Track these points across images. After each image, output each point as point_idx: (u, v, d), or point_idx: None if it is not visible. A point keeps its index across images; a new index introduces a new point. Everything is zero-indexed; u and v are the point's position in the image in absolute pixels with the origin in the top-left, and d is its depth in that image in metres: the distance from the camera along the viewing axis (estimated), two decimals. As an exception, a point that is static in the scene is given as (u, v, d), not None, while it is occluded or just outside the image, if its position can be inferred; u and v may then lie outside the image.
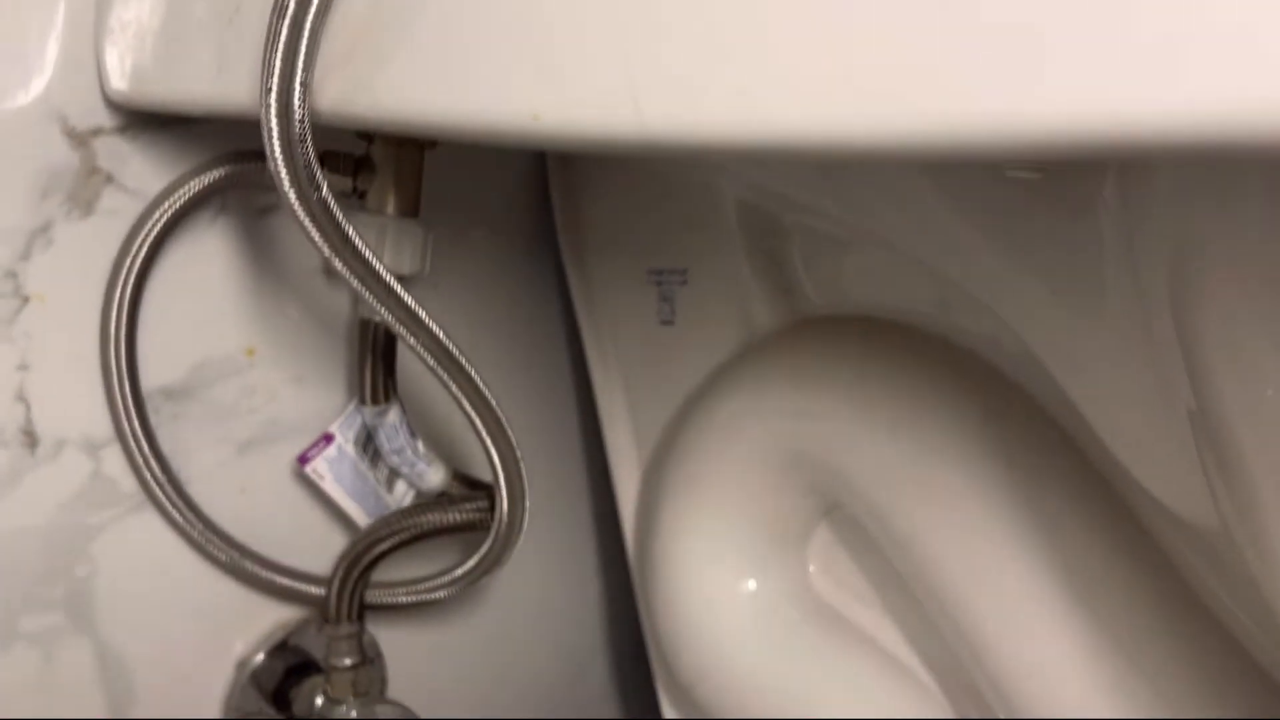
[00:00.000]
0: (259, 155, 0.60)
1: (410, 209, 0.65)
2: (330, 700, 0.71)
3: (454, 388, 0.60)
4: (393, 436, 0.70)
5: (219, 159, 0.62)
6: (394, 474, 0.74)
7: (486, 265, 0.83)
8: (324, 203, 0.48)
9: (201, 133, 0.65)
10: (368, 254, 0.51)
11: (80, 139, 0.61)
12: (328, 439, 0.68)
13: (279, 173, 0.47)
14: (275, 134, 0.45)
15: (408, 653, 0.77)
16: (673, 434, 0.70)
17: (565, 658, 0.96)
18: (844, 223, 0.63)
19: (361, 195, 0.63)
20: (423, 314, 0.56)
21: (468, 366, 0.59)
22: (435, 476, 0.73)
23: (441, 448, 0.73)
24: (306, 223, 0.49)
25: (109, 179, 0.62)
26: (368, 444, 0.71)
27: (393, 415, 0.69)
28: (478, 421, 0.62)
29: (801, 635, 0.65)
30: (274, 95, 0.44)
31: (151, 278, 0.65)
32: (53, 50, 0.59)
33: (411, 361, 0.60)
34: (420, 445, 0.72)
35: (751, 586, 0.66)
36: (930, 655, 0.63)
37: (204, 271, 0.68)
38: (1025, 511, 0.52)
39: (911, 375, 0.57)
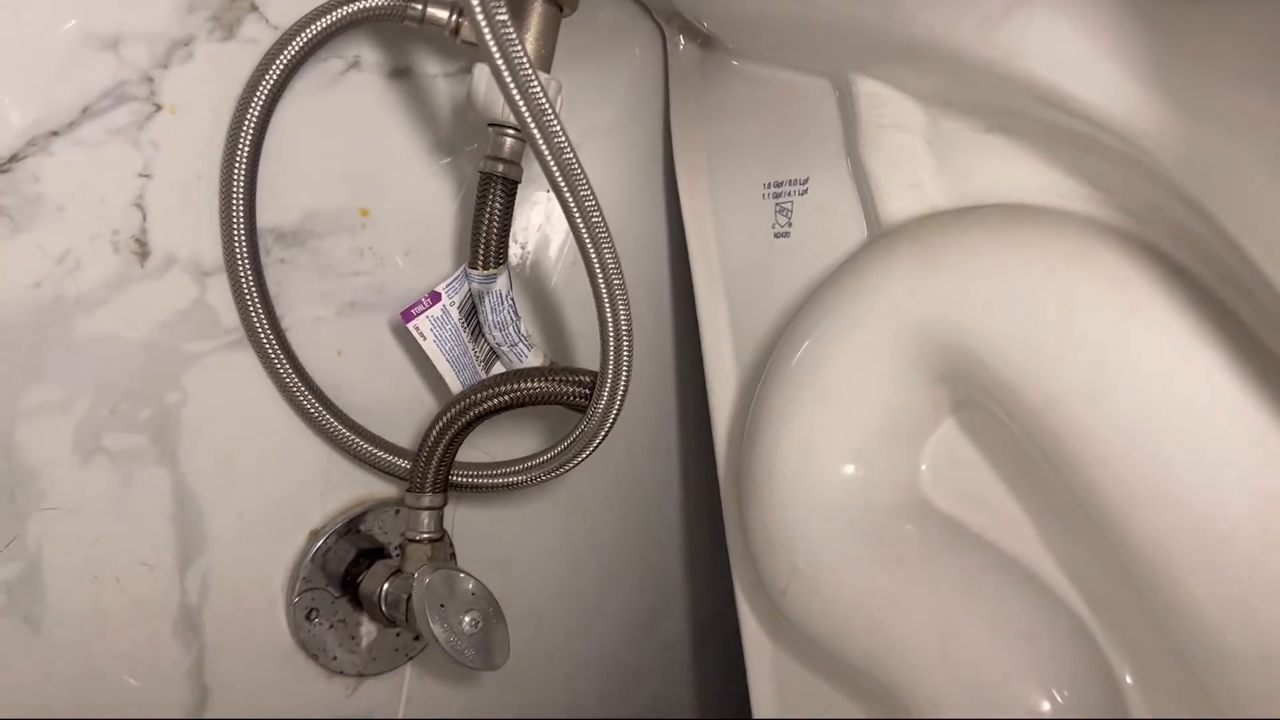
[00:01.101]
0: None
1: (545, 65, 0.65)
2: (403, 576, 0.68)
3: (590, 248, 0.58)
4: (498, 307, 0.68)
5: (362, -8, 0.62)
6: (493, 354, 0.72)
7: (596, 176, 0.82)
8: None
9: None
10: (534, 77, 0.50)
11: (231, -39, 0.61)
12: (434, 297, 0.67)
13: None
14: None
15: (484, 535, 0.74)
16: (789, 325, 0.67)
17: (640, 561, 0.92)
18: (984, 108, 0.61)
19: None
20: (578, 163, 0.55)
21: (606, 228, 0.58)
22: (534, 360, 0.71)
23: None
24: (480, 19, 0.47)
25: (253, 6, 0.63)
26: (471, 315, 0.69)
27: (501, 282, 0.67)
28: (603, 288, 0.60)
29: (899, 529, 0.61)
30: None
31: (279, 115, 0.64)
32: None
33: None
34: (523, 325, 0.70)
35: (850, 471, 0.62)
36: (1073, 563, 0.58)
37: (330, 122, 0.67)
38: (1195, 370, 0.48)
39: (1064, 244, 0.54)
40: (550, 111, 0.53)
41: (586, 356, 0.82)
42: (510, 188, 0.66)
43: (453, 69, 0.72)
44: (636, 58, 0.85)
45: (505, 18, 0.48)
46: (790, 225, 0.73)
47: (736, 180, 0.77)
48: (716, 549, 0.97)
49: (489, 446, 0.77)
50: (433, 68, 0.71)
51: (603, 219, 0.58)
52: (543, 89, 0.51)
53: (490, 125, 0.65)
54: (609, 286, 0.60)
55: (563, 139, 0.54)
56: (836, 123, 0.70)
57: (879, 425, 0.62)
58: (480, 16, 0.47)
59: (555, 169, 0.55)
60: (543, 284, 0.81)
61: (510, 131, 0.65)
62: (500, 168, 0.65)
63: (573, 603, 0.87)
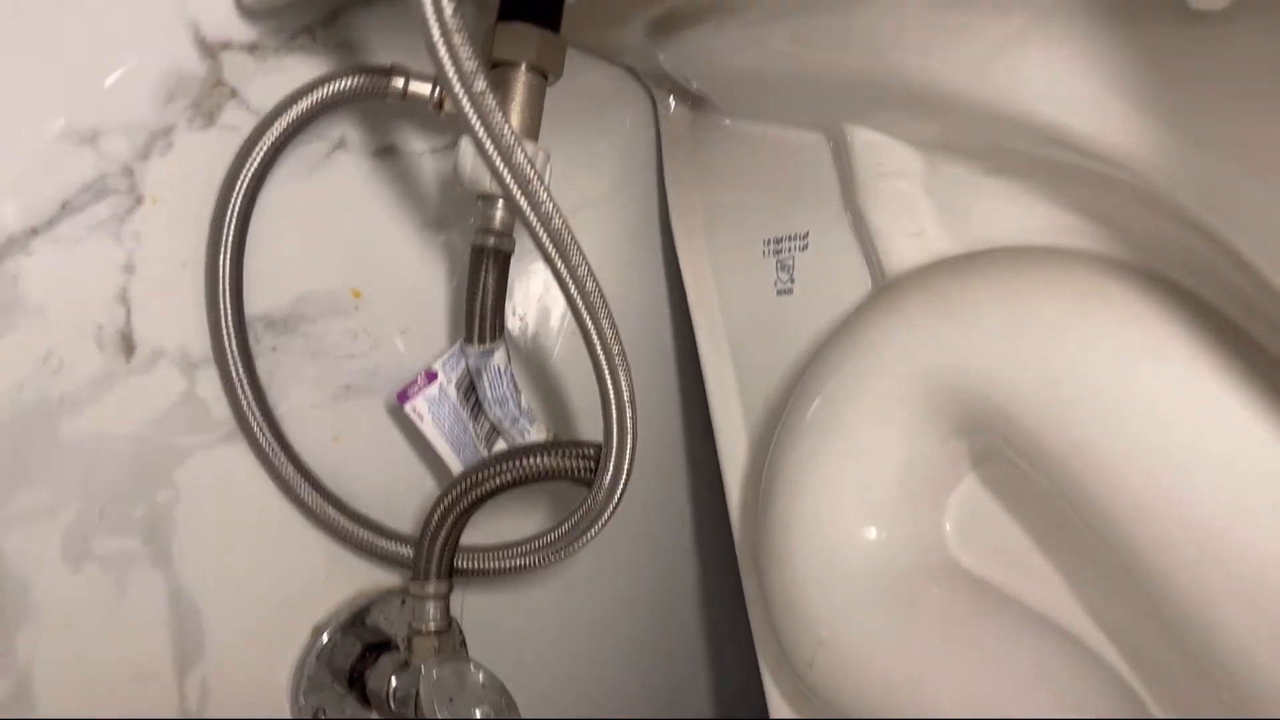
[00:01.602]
0: (383, 71, 0.61)
1: (532, 134, 0.63)
2: (410, 670, 0.65)
3: (586, 319, 0.56)
4: (496, 382, 0.66)
5: (341, 72, 0.61)
6: (494, 430, 0.70)
7: (593, 245, 0.81)
8: (475, 82, 0.45)
9: (326, 56, 0.64)
10: (517, 148, 0.49)
11: (210, 50, 0.61)
12: (430, 376, 0.65)
13: (427, 16, 0.44)
14: None
15: (493, 619, 0.71)
16: (799, 383, 0.65)
17: (656, 640, 0.88)
18: (983, 150, 0.59)
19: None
20: (569, 233, 0.53)
21: (602, 297, 0.56)
22: (537, 435, 0.69)
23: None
24: (459, 91, 0.46)
25: (233, 93, 0.62)
26: (470, 393, 0.67)
27: (499, 356, 0.65)
28: (603, 359, 0.58)
29: (925, 593, 0.58)
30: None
31: (263, 200, 0.63)
32: (192, -45, 0.60)
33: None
34: (524, 399, 0.68)
35: (872, 535, 0.59)
36: (1109, 617, 0.55)
37: (317, 204, 0.66)
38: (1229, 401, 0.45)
39: (1077, 287, 0.52)
40: (537, 180, 0.51)
41: (592, 428, 0.80)
42: (503, 260, 0.64)
43: (439, 144, 0.70)
44: (627, 123, 0.84)
45: (485, 88, 0.47)
46: (793, 281, 0.71)
47: (735, 239, 0.76)
48: (737, 621, 0.94)
49: (496, 526, 0.75)
50: (419, 144, 0.70)
51: (597, 287, 0.56)
52: (528, 158, 0.50)
53: (479, 198, 0.63)
54: (608, 356, 0.58)
55: (550, 207, 0.53)
56: (833, 175, 0.68)
57: (899, 484, 0.59)
58: (459, 89, 0.46)
59: (545, 238, 0.53)
60: (544, 356, 0.79)
61: (500, 203, 0.63)
62: (492, 240, 0.63)
63: (588, 685, 0.84)
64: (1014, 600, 0.58)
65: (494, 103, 0.47)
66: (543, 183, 0.51)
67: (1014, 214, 0.59)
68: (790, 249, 0.71)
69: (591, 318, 0.56)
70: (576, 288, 0.55)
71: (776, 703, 0.71)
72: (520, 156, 0.50)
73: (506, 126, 0.49)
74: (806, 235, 0.70)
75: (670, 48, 0.69)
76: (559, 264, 0.54)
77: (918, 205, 0.63)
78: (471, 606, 0.74)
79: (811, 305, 0.70)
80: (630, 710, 0.87)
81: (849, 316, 0.65)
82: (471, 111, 0.47)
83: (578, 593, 0.81)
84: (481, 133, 0.48)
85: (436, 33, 0.44)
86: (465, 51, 0.45)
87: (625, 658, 0.86)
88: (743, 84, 0.71)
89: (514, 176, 0.50)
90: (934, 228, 0.63)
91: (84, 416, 0.58)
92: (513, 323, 0.78)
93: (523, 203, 0.51)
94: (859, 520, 0.60)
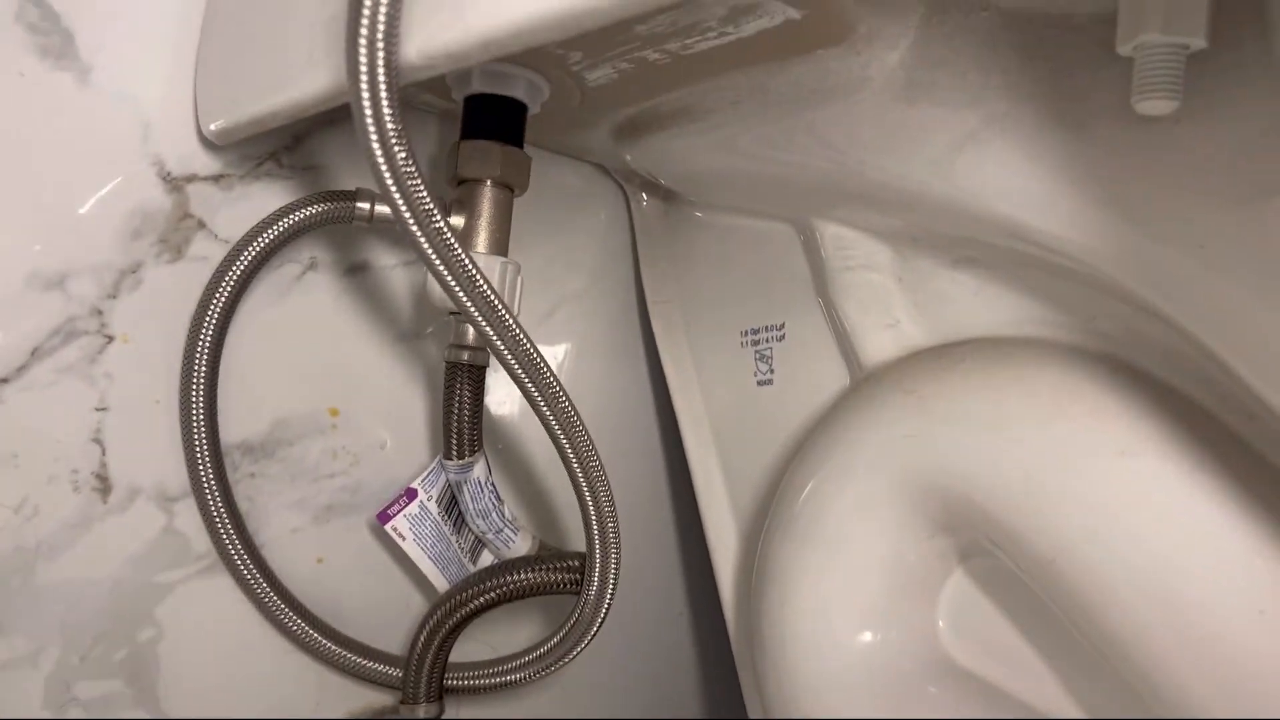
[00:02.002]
0: (348, 196, 0.61)
1: (501, 249, 0.64)
2: (405, 796, 0.64)
3: (560, 435, 0.56)
4: (478, 495, 0.66)
5: (306, 200, 0.61)
6: (478, 544, 0.69)
7: (572, 341, 0.81)
8: (423, 205, 0.46)
9: (292, 180, 0.65)
10: (480, 279, 0.49)
11: (175, 184, 0.61)
12: (410, 495, 0.64)
13: (378, 164, 0.44)
14: (367, 100, 0.43)
15: None
16: (784, 477, 0.65)
17: None
18: (950, 242, 0.59)
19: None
20: (538, 354, 0.53)
21: (575, 413, 0.56)
22: (523, 544, 0.68)
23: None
24: (412, 226, 0.46)
25: (200, 224, 0.62)
26: (451, 508, 0.67)
27: (479, 470, 0.65)
28: (580, 474, 0.58)
29: (924, 695, 0.57)
30: (363, 55, 0.43)
31: (236, 328, 0.63)
32: (155, 94, 0.60)
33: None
34: (506, 509, 0.68)
35: (868, 639, 0.58)
36: (1102, 711, 0.54)
37: (291, 326, 0.66)
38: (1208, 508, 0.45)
39: (1050, 383, 0.52)
40: (502, 307, 0.51)
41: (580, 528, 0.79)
42: (477, 374, 0.64)
43: (410, 257, 0.71)
44: (601, 216, 0.84)
45: (441, 225, 0.47)
46: (772, 372, 0.71)
47: (714, 330, 0.76)
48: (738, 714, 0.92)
49: (489, 635, 0.74)
50: (389, 259, 0.70)
51: (570, 404, 0.56)
52: (490, 287, 0.50)
53: (450, 314, 0.63)
54: (586, 471, 0.58)
55: (517, 331, 0.52)
56: (805, 267, 0.68)
57: (889, 583, 0.59)
58: (415, 230, 0.46)
59: (513, 361, 0.53)
60: (528, 459, 0.78)
61: (471, 318, 0.63)
62: (465, 355, 0.63)
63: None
64: (1006, 694, 0.57)
65: (451, 238, 0.47)
66: (508, 307, 0.51)
67: (985, 305, 0.59)
68: (768, 340, 0.71)
69: (567, 435, 0.56)
70: (549, 406, 0.55)
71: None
72: (484, 286, 0.50)
73: (467, 259, 0.49)
74: (783, 326, 0.70)
75: (636, 149, 0.69)
76: (529, 385, 0.54)
77: (890, 297, 0.63)
78: (466, 716, 0.73)
79: (791, 396, 0.69)
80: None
81: (828, 411, 0.65)
82: (429, 249, 0.47)
83: (576, 696, 0.80)
84: (442, 268, 0.48)
85: (389, 179, 0.44)
86: (418, 194, 0.45)
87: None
88: (709, 181, 0.71)
89: (477, 306, 0.50)
90: (907, 320, 0.62)
91: (61, 561, 0.58)
92: (493, 421, 0.77)
93: (488, 330, 0.51)
94: (852, 622, 0.59)
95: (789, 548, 0.61)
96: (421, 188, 0.45)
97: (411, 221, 0.46)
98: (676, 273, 0.79)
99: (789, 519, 0.63)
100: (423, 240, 0.47)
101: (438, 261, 0.48)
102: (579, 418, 0.56)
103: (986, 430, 0.53)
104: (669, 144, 0.66)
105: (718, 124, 0.61)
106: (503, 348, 0.52)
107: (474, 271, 0.49)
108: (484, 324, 0.51)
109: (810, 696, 0.60)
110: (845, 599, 0.60)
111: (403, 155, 0.44)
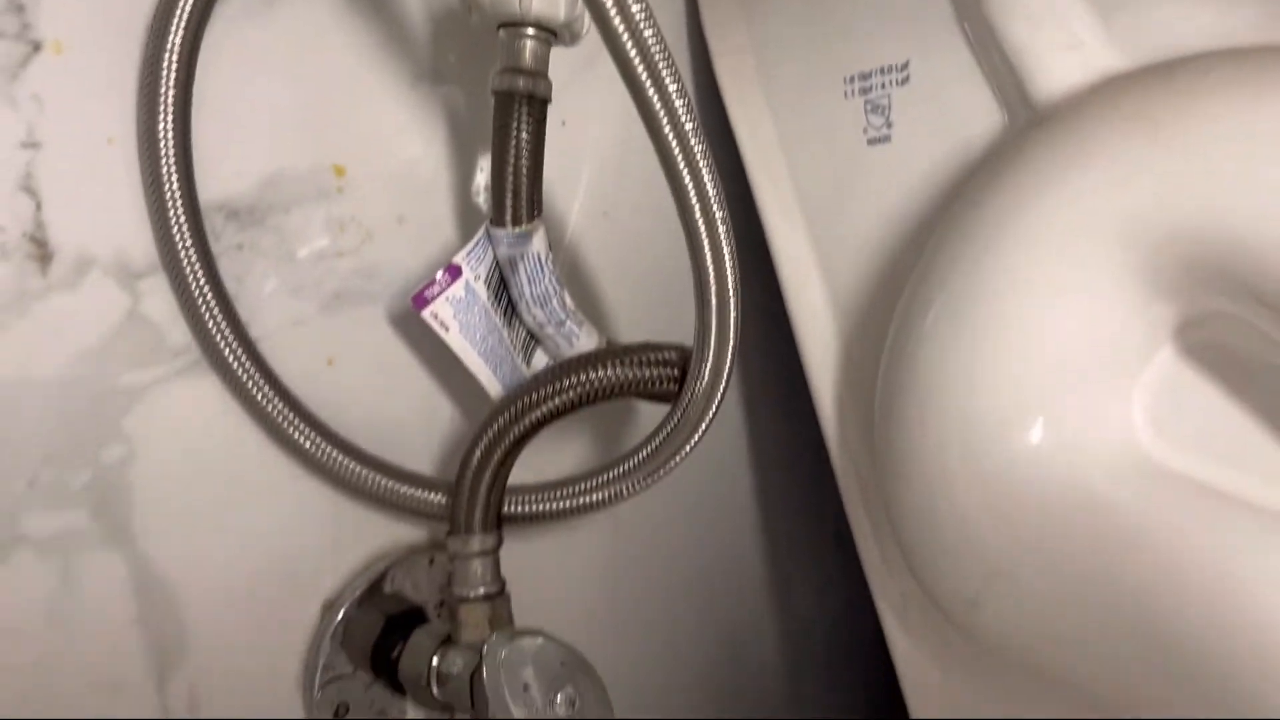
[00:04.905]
0: None
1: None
2: (457, 646, 0.51)
3: (684, 174, 0.41)
4: (536, 275, 0.51)
5: None
6: (531, 340, 0.55)
7: (609, 107, 0.65)
8: None
9: None
10: None
11: None
12: (453, 272, 0.49)
13: None
14: None
15: (530, 569, 0.56)
16: (923, 257, 0.51)
17: (714, 581, 0.76)
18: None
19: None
20: (664, 51, 0.39)
21: (703, 147, 0.41)
22: (588, 342, 0.54)
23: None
24: None
25: (153, -107, 0.44)
26: (500, 293, 0.52)
27: (537, 241, 0.50)
28: (702, 233, 0.43)
29: (1115, 505, 0.45)
30: None
31: (210, 46, 0.47)
32: None
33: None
34: (568, 298, 0.53)
35: (1042, 435, 0.46)
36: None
37: (279, 50, 0.50)
38: None
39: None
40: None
41: (628, 337, 0.65)
42: (538, 110, 0.49)
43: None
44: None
45: None
46: (889, 126, 0.57)
47: (802, 80, 0.61)
48: (801, 556, 0.82)
49: (535, 463, 0.60)
50: (406, -32, 0.53)
51: (697, 125, 0.41)
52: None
53: (502, 27, 0.48)
54: (710, 227, 0.43)
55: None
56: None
57: (1077, 367, 0.46)
58: None
59: (631, 49, 0.38)
60: (555, 243, 0.63)
61: (530, 32, 0.47)
62: (522, 82, 0.47)
63: (642, 634, 0.71)
64: (1233, 498, 0.45)
65: None
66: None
67: (1205, 11, 0.45)
68: (884, 85, 0.57)
69: (691, 173, 0.42)
70: (672, 128, 0.40)
71: (905, 652, 0.59)
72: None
73: None
74: (906, 65, 0.56)
75: None
76: (650, 92, 0.39)
77: (1069, 11, 0.49)
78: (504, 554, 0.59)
79: (920, 154, 0.55)
80: (690, 659, 0.74)
81: (990, 160, 0.51)
82: None
83: (620, 538, 0.68)
84: None
85: None
86: None
87: (682, 601, 0.73)
88: None
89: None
90: (1094, 39, 0.49)
91: (-10, 354, 0.42)
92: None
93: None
94: (1025, 418, 0.47)
95: (940, 336, 0.49)
96: None
97: None
98: (746, 13, 0.64)
99: (938, 300, 0.50)
100: None
101: None
102: (708, 152, 0.42)
103: (1256, 151, 0.40)
104: None
105: None
106: (618, 22, 0.37)
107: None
108: None
109: (972, 511, 0.48)
110: (1016, 390, 0.47)
111: None
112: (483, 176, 0.58)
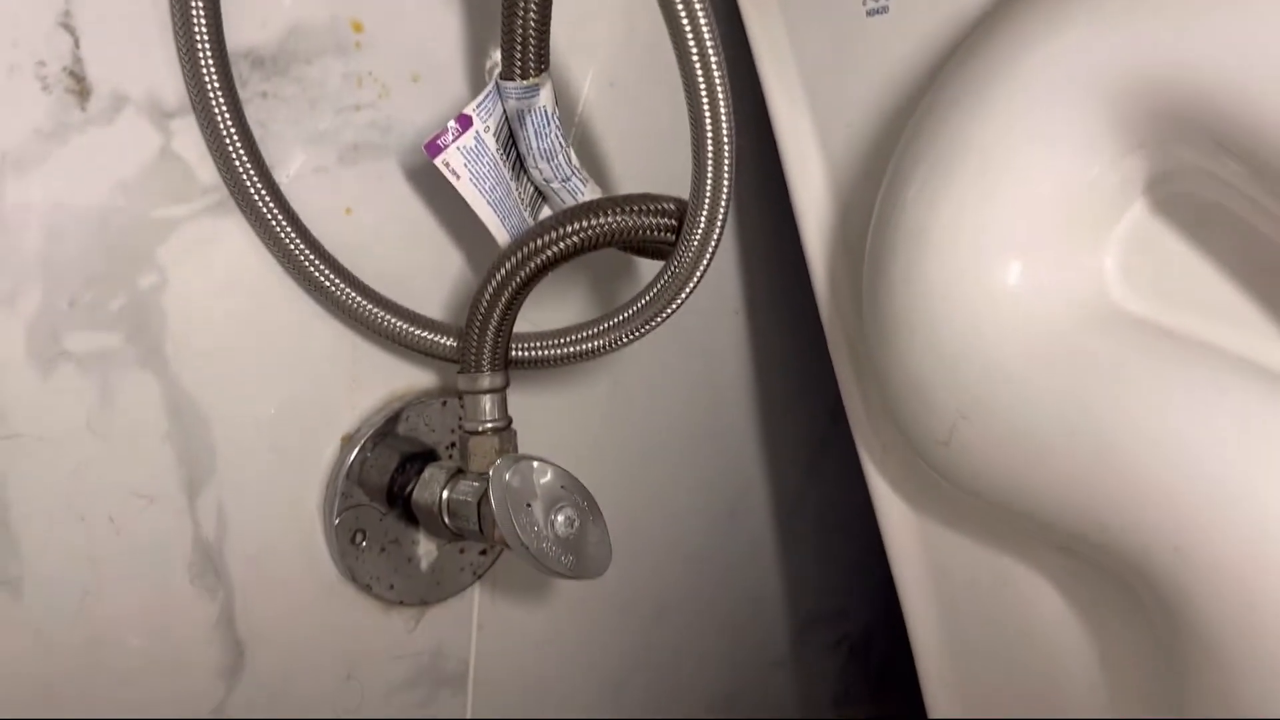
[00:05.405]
0: None
1: None
2: (467, 477, 0.55)
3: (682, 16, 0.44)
4: (543, 131, 0.54)
5: None
6: (538, 196, 0.58)
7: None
8: None
9: None
10: None
11: None
12: (464, 122, 0.52)
13: None
14: None
15: (529, 421, 0.59)
16: (921, 104, 0.54)
17: (710, 441, 0.79)
18: None
19: None
20: None
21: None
22: (592, 195, 0.57)
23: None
24: None
25: None
26: (509, 146, 0.55)
27: (544, 96, 0.53)
28: (699, 77, 0.46)
29: (1087, 345, 0.48)
30: None
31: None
32: None
33: None
34: (574, 154, 0.56)
35: (1018, 281, 0.49)
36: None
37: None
38: None
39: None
40: None
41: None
42: (547, -39, 0.51)
43: None
44: None
45: None
46: (886, -2, 0.59)
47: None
48: (798, 419, 0.85)
49: (533, 317, 0.63)
50: None
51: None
52: None
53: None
54: (706, 71, 0.46)
55: None
56: None
57: (1054, 216, 0.49)
58: None
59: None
60: (568, 115, 0.66)
61: (540, -114, 0.49)
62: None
63: (639, 491, 0.74)
64: (1200, 343, 0.48)
65: None
66: None
67: None
68: (883, -45, 0.59)
69: (688, 14, 0.44)
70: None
71: (884, 494, 0.63)
72: None
73: None
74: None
75: None
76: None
77: None
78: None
79: (918, 23, 0.57)
80: (687, 519, 0.78)
81: (980, 25, 0.53)
82: None
83: (615, 397, 0.71)
84: None
85: None
86: None
87: (678, 460, 0.77)
88: None
89: None
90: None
91: (32, 179, 0.45)
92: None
93: None
94: (1004, 260, 0.50)
95: (929, 186, 0.51)
96: None
97: None
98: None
99: (922, 154, 0.52)
100: None
101: None
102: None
103: (1220, 8, 0.42)
104: None
105: None
106: None
107: None
108: None
109: (947, 352, 0.51)
110: (995, 238, 0.50)
111: None
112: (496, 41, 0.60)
